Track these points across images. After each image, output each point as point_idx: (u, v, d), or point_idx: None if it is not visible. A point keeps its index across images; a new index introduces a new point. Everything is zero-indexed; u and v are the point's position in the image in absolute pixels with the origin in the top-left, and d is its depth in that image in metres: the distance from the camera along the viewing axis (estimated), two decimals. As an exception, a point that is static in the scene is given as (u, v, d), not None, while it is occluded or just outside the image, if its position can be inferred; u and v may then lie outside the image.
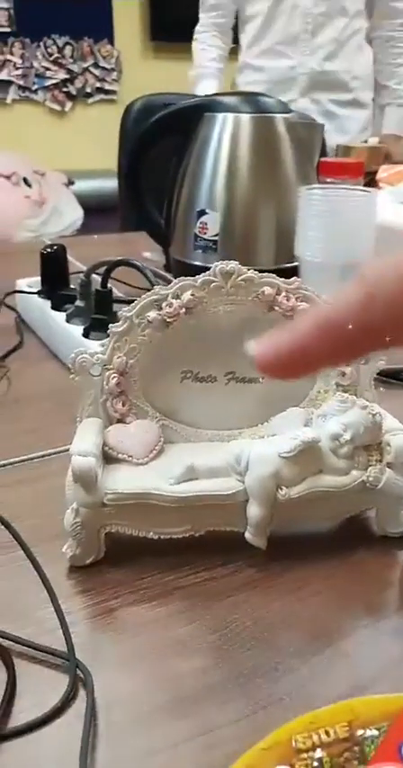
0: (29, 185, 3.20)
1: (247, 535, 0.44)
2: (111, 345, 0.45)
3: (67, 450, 0.54)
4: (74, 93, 3.88)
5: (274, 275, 0.45)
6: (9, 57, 3.69)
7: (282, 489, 0.42)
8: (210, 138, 0.90)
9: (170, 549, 0.44)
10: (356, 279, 0.26)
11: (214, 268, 0.45)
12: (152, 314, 0.45)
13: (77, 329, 0.72)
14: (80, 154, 3.71)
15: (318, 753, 0.28)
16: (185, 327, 0.46)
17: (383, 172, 1.04)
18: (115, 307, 0.71)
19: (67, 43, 3.79)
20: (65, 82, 3.84)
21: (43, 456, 0.57)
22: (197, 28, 1.89)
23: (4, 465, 0.56)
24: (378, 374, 0.49)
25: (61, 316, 0.76)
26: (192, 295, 0.45)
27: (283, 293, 0.46)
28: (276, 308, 0.46)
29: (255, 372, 0.47)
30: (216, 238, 0.89)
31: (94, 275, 0.74)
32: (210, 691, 0.36)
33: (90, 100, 3.93)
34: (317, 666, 0.37)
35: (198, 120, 0.92)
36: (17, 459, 0.57)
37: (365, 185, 0.93)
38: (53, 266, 0.82)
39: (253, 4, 1.76)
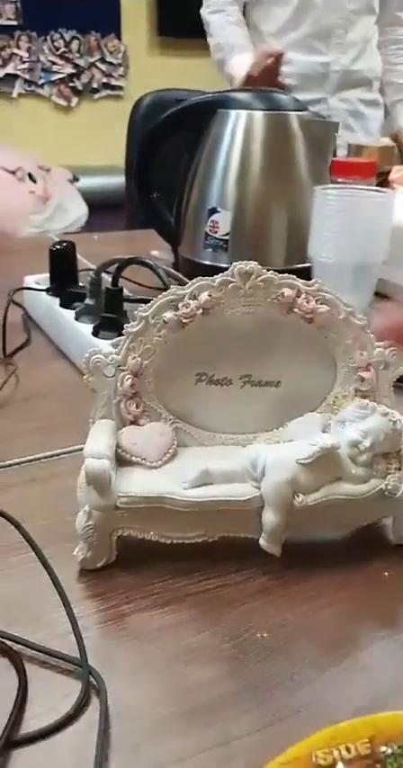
0: (34, 181, 3.19)
1: (262, 542, 0.43)
2: (126, 346, 0.45)
3: (77, 449, 0.53)
4: (80, 88, 3.86)
5: (295, 276, 0.45)
6: (15, 50, 3.67)
7: (298, 496, 0.41)
8: (222, 134, 0.89)
9: (182, 554, 0.44)
10: None
11: (232, 268, 0.44)
12: (168, 314, 0.44)
13: (87, 328, 0.71)
14: (85, 150, 3.70)
15: (340, 768, 0.28)
16: (201, 329, 0.45)
17: (396, 172, 1.03)
18: (125, 305, 0.71)
19: (73, 37, 3.77)
20: (71, 77, 3.82)
21: (52, 456, 0.56)
22: (206, 6, 1.72)
23: (13, 464, 0.55)
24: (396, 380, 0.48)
25: (70, 314, 0.75)
26: (209, 296, 0.44)
27: (303, 295, 0.45)
28: (295, 310, 0.45)
29: (272, 376, 0.47)
30: (227, 237, 0.89)
31: (103, 273, 0.74)
32: (224, 701, 0.35)
33: (96, 95, 3.91)
34: (334, 678, 0.36)
35: (210, 117, 0.91)
36: (26, 458, 0.56)
37: (377, 186, 0.93)
38: (62, 263, 0.81)
39: None
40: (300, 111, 0.91)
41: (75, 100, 3.87)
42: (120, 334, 0.46)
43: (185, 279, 0.45)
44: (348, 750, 0.29)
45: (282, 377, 0.47)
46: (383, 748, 0.28)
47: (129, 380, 0.45)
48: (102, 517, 0.42)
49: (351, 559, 0.45)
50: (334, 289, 0.46)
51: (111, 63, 3.88)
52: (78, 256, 0.84)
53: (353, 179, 0.87)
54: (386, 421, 0.42)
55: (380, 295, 0.86)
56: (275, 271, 0.45)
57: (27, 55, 3.70)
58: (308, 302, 0.45)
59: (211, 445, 0.47)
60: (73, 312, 0.75)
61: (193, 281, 0.44)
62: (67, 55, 3.79)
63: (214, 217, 0.90)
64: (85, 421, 0.46)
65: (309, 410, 0.47)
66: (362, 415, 0.43)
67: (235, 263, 0.44)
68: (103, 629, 0.39)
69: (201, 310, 0.44)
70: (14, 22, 3.63)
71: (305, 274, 0.47)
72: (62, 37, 3.75)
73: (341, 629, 0.40)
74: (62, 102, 3.84)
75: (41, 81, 3.76)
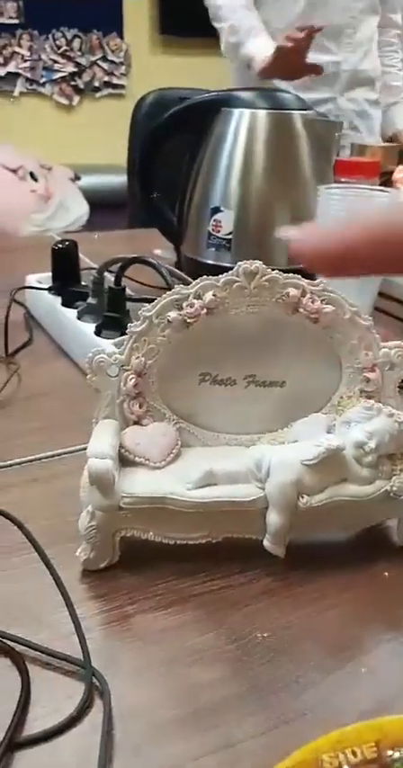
0: (35, 179, 3.19)
1: (266, 543, 0.43)
2: (130, 345, 0.44)
3: (79, 449, 0.53)
4: (82, 86, 3.86)
5: (299, 276, 0.44)
6: (17, 49, 3.67)
7: (303, 497, 0.41)
8: (225, 133, 0.89)
9: (186, 555, 0.43)
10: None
11: (237, 268, 0.44)
12: (172, 314, 0.44)
13: (89, 327, 0.71)
14: (87, 148, 3.70)
15: (346, 773, 0.28)
16: (205, 328, 0.45)
17: (400, 172, 1.03)
18: (128, 305, 0.71)
19: (75, 36, 3.77)
20: (73, 75, 3.82)
21: (55, 456, 0.56)
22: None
23: (14, 464, 0.55)
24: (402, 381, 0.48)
25: (72, 313, 0.75)
26: (213, 295, 0.44)
27: (308, 295, 0.45)
28: (301, 310, 0.45)
29: (277, 376, 0.47)
30: (230, 237, 0.88)
31: (105, 272, 0.73)
32: (228, 703, 0.35)
33: (98, 94, 3.91)
34: (340, 681, 0.36)
35: (213, 116, 0.91)
36: (28, 458, 0.56)
37: (381, 185, 0.92)
38: (64, 262, 0.81)
39: None
40: (304, 110, 0.91)
41: (76, 98, 3.87)
42: (123, 334, 0.45)
43: (189, 278, 0.45)
44: (354, 754, 0.28)
45: (286, 377, 0.47)
46: (390, 752, 0.28)
47: (133, 380, 0.44)
48: (105, 517, 0.42)
49: (355, 561, 0.45)
50: (337, 289, 0.46)
51: (112, 62, 3.88)
52: (80, 255, 0.84)
53: (357, 179, 0.87)
54: (392, 422, 0.42)
55: (383, 296, 0.86)
56: (279, 270, 0.45)
57: (28, 53, 3.70)
58: (313, 302, 0.45)
59: (215, 445, 0.47)
60: (75, 311, 0.74)
61: (198, 280, 0.44)
62: (68, 53, 3.79)
63: (217, 216, 0.89)
64: (87, 420, 0.46)
65: (314, 411, 0.47)
66: (368, 416, 0.43)
67: (240, 263, 0.44)
68: (107, 631, 0.39)
69: (205, 310, 0.44)
70: (16, 21, 3.63)
71: (308, 274, 0.46)
72: (64, 35, 3.75)
73: (346, 631, 0.39)
74: (64, 101, 3.84)
75: (43, 80, 3.76)
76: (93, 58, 3.85)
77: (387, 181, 1.04)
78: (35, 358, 0.75)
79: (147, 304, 0.45)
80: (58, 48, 3.77)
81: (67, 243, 0.82)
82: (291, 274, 0.45)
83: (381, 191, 0.74)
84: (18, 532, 0.44)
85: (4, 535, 0.45)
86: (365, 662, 0.37)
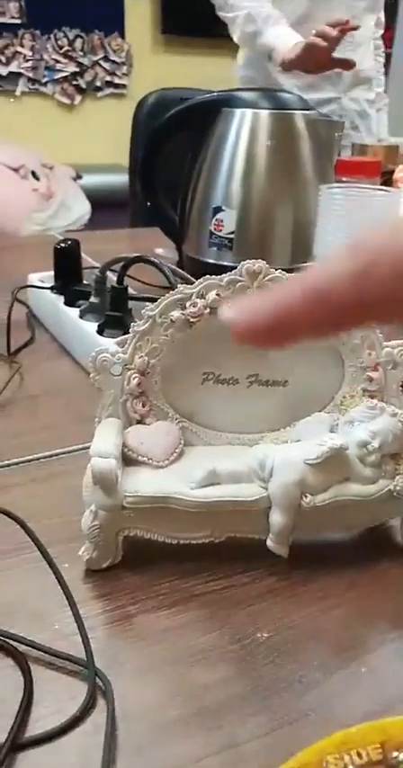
0: (37, 178, 3.18)
1: (269, 543, 0.42)
2: (133, 345, 0.44)
3: (81, 448, 0.53)
4: (83, 86, 3.86)
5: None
6: (19, 49, 3.67)
7: (306, 497, 0.41)
8: (227, 133, 0.89)
9: (189, 554, 0.43)
10: (351, 249, 0.24)
11: (240, 267, 0.44)
12: (175, 313, 0.44)
13: (91, 326, 0.71)
14: (89, 148, 3.70)
15: (351, 774, 0.27)
16: (208, 328, 0.45)
17: (401, 171, 1.03)
18: (130, 304, 0.70)
19: (77, 36, 3.77)
20: (75, 75, 3.82)
21: (57, 455, 0.56)
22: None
23: (17, 463, 0.55)
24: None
25: (74, 312, 0.75)
26: (216, 295, 0.44)
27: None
28: (303, 309, 0.45)
29: (280, 375, 0.47)
30: (231, 236, 0.88)
31: (107, 271, 0.73)
32: (232, 703, 0.35)
33: (100, 93, 3.91)
34: (343, 681, 0.36)
35: (215, 116, 0.91)
36: (30, 457, 0.56)
37: (382, 185, 0.92)
38: (67, 261, 0.81)
39: None
40: (306, 110, 0.91)
41: (78, 98, 3.87)
42: (125, 333, 0.45)
43: (191, 278, 0.44)
44: (359, 755, 0.28)
45: (289, 376, 0.47)
46: (395, 753, 0.28)
47: (136, 379, 0.44)
48: (108, 517, 0.41)
49: (359, 561, 0.45)
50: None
51: (114, 61, 3.88)
52: (83, 254, 0.84)
53: (358, 178, 0.87)
54: (395, 421, 0.42)
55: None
56: (282, 270, 0.45)
57: (30, 53, 3.70)
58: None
59: (218, 445, 0.47)
60: (77, 310, 0.74)
61: (201, 280, 0.44)
62: (70, 53, 3.79)
63: (219, 215, 0.89)
64: (89, 419, 0.46)
65: (317, 410, 0.47)
66: (371, 416, 0.43)
67: (243, 263, 0.44)
68: (110, 630, 0.39)
69: (208, 309, 0.44)
70: (18, 21, 3.63)
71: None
72: (66, 35, 3.75)
73: (349, 631, 0.39)
74: (65, 101, 3.83)
75: (45, 79, 3.76)
76: (94, 58, 3.85)
77: (388, 180, 1.04)
78: (37, 357, 0.75)
79: (149, 303, 0.44)
80: (60, 47, 3.77)
81: (69, 242, 0.82)
82: (293, 274, 0.44)
83: (383, 190, 0.73)
84: (21, 532, 0.44)
85: (6, 534, 0.44)
86: (369, 662, 0.37)
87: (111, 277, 0.73)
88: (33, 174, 3.19)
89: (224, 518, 0.42)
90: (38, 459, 0.56)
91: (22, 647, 0.37)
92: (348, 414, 0.45)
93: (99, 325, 0.70)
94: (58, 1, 3.63)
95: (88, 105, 3.90)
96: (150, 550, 0.44)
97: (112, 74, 3.90)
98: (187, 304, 0.44)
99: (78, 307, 0.75)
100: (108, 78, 3.89)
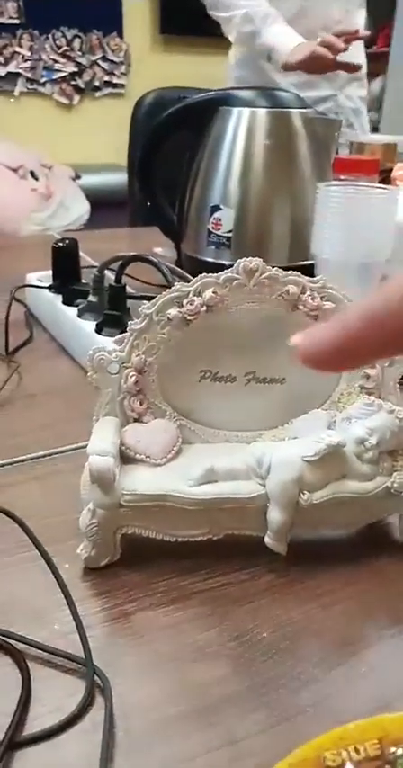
0: (36, 178, 3.18)
1: (267, 540, 0.43)
2: (130, 343, 0.44)
3: (80, 447, 0.53)
4: (82, 86, 3.85)
5: (300, 273, 0.44)
6: (17, 49, 3.67)
7: (304, 494, 0.41)
8: (225, 132, 0.89)
9: (187, 552, 0.43)
10: None
11: (237, 265, 0.44)
12: (172, 311, 0.44)
13: (89, 325, 0.71)
14: (87, 148, 3.70)
15: (349, 770, 0.27)
16: (205, 326, 0.45)
17: (399, 170, 1.03)
18: (128, 303, 0.71)
19: (75, 36, 3.76)
20: (73, 75, 3.82)
21: (56, 453, 0.56)
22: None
23: (15, 462, 0.55)
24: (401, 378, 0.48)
25: (73, 311, 0.75)
26: (213, 293, 0.44)
27: (308, 292, 0.45)
28: (300, 307, 0.45)
29: (277, 373, 0.47)
30: (229, 235, 0.88)
31: (106, 270, 0.73)
32: (230, 700, 0.35)
33: (98, 93, 3.90)
34: (341, 677, 0.36)
35: (212, 115, 0.91)
36: (29, 456, 0.56)
37: (380, 183, 0.92)
38: (65, 260, 0.81)
39: None
40: (303, 108, 0.91)
41: (77, 98, 3.86)
42: (123, 332, 0.45)
43: (189, 276, 0.44)
44: (357, 751, 0.28)
45: (286, 374, 0.47)
46: (393, 749, 0.28)
47: (134, 377, 0.44)
48: (106, 515, 0.41)
49: (357, 557, 0.45)
50: (337, 286, 0.45)
51: (112, 61, 3.88)
52: (81, 254, 0.84)
53: (356, 176, 0.86)
54: (392, 418, 0.42)
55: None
56: (279, 268, 0.45)
57: (29, 53, 3.70)
58: (313, 299, 0.44)
59: (216, 442, 0.47)
60: (75, 309, 0.74)
61: (198, 278, 0.44)
62: (68, 53, 3.78)
63: (217, 214, 0.89)
64: (88, 418, 0.46)
65: (315, 407, 0.47)
66: (369, 413, 0.43)
67: (239, 260, 0.44)
68: (108, 628, 0.39)
69: (205, 307, 0.44)
70: (16, 21, 3.63)
71: (308, 272, 0.46)
72: (64, 35, 3.75)
73: (348, 628, 0.39)
74: (64, 101, 3.83)
75: (43, 79, 3.76)
76: (93, 58, 3.85)
77: (386, 178, 1.04)
78: (36, 356, 0.75)
79: (147, 302, 0.44)
80: (59, 48, 3.76)
81: (67, 241, 0.82)
82: (291, 272, 0.44)
83: (383, 188, 0.73)
84: (19, 530, 0.44)
85: (5, 533, 0.44)
86: (367, 658, 0.37)
87: (110, 276, 0.73)
88: (32, 173, 3.19)
89: (222, 515, 0.42)
90: (36, 458, 0.56)
91: (20, 646, 0.37)
92: (345, 411, 0.45)
93: (97, 324, 0.70)
94: (57, 1, 3.63)
95: (87, 105, 3.90)
96: (148, 548, 0.44)
97: (111, 74, 3.89)
98: (184, 302, 0.44)
99: (76, 306, 0.75)
100: (106, 78, 3.89)
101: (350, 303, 0.45)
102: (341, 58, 1.48)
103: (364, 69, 1.75)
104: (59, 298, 0.79)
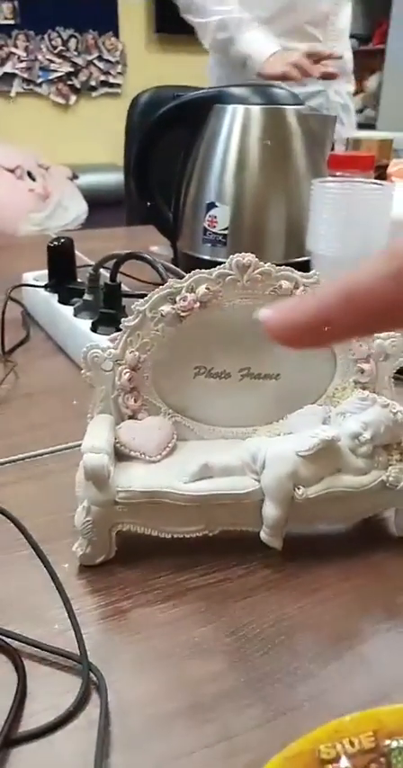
0: (33, 179, 3.18)
1: (263, 535, 0.42)
2: (124, 340, 0.44)
3: (75, 446, 0.53)
4: (78, 86, 3.85)
5: (292, 269, 0.44)
6: (13, 49, 3.67)
7: (299, 489, 0.41)
8: (219, 129, 0.89)
9: (183, 548, 0.43)
10: (388, 252, 0.24)
11: (230, 261, 0.44)
12: (165, 308, 0.44)
13: (85, 323, 0.71)
14: (84, 148, 3.70)
15: (344, 762, 0.27)
16: (199, 322, 0.45)
17: (394, 166, 1.03)
18: (124, 301, 0.70)
19: (71, 36, 3.76)
20: (69, 75, 3.82)
21: (52, 452, 0.56)
22: None
23: (11, 461, 0.55)
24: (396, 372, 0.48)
25: (68, 310, 0.75)
26: (206, 289, 0.44)
27: (301, 287, 0.44)
28: (294, 302, 0.44)
29: (271, 368, 0.47)
30: (225, 232, 0.88)
31: (101, 269, 0.73)
32: (226, 696, 0.35)
33: (94, 93, 3.90)
34: (338, 671, 0.36)
35: (207, 112, 0.91)
36: (25, 455, 0.56)
37: (375, 179, 0.92)
38: (60, 260, 0.81)
39: None
40: (297, 105, 0.91)
41: (73, 98, 3.86)
42: (119, 330, 0.45)
43: (184, 273, 0.44)
44: (352, 744, 0.28)
45: (281, 369, 0.47)
46: (388, 741, 0.28)
47: (128, 374, 0.44)
48: (101, 512, 0.41)
49: (353, 552, 0.45)
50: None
51: (108, 61, 3.88)
52: (77, 253, 0.84)
53: (351, 173, 0.86)
54: (386, 412, 0.42)
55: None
56: (274, 264, 0.45)
57: (25, 54, 3.70)
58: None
59: (211, 439, 0.47)
60: (71, 308, 0.74)
61: (190, 274, 0.44)
62: (64, 53, 3.78)
63: (212, 212, 0.89)
64: (84, 417, 0.46)
65: (309, 402, 0.47)
66: (363, 407, 0.43)
67: (232, 256, 0.44)
68: (103, 625, 0.39)
69: (198, 303, 0.44)
70: (12, 21, 3.63)
71: (304, 268, 0.46)
72: (60, 36, 3.75)
73: (344, 622, 0.39)
74: (60, 101, 3.83)
75: (39, 80, 3.76)
76: (89, 58, 3.85)
77: (381, 175, 1.04)
78: (32, 355, 0.75)
79: (142, 299, 0.44)
80: (54, 48, 3.76)
81: (62, 240, 0.82)
82: (283, 267, 0.44)
83: (377, 184, 0.73)
84: (14, 529, 0.44)
85: (0, 532, 0.44)
86: (363, 652, 0.37)
87: (106, 275, 0.73)
88: (29, 174, 3.19)
89: (217, 511, 0.42)
90: (33, 456, 0.56)
91: (15, 644, 0.37)
92: (340, 405, 0.45)
93: (93, 323, 0.70)
94: (52, 1, 3.63)
95: (83, 105, 3.90)
96: (144, 545, 0.43)
97: (107, 73, 3.89)
98: (177, 298, 0.44)
99: (72, 305, 0.75)
100: (103, 78, 3.89)
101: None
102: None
103: (351, 65, 1.74)
104: (55, 297, 0.79)
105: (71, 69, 3.82)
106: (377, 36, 3.69)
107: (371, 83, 3.76)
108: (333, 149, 0.99)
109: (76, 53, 3.81)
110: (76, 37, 3.78)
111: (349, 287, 0.24)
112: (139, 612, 0.40)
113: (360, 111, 3.64)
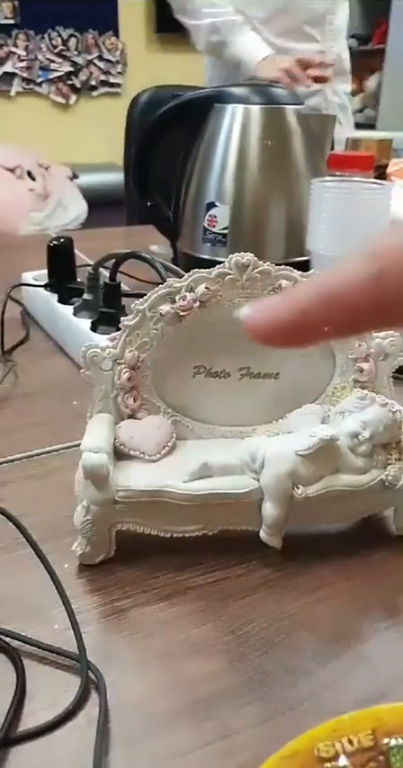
0: (33, 179, 3.18)
1: (262, 534, 0.43)
2: (123, 339, 0.44)
3: (75, 445, 0.53)
4: (78, 85, 3.86)
5: (291, 268, 0.44)
6: (13, 49, 3.67)
7: (298, 488, 0.41)
8: (219, 129, 0.89)
9: (182, 548, 0.43)
10: (367, 252, 0.23)
11: (229, 260, 0.44)
12: (165, 307, 0.44)
13: (85, 323, 0.71)
14: (84, 147, 3.70)
15: (343, 761, 0.27)
16: (198, 321, 0.45)
17: (394, 165, 1.03)
18: (123, 300, 0.71)
19: (71, 35, 3.77)
20: (69, 75, 3.82)
21: (51, 451, 0.56)
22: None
23: (11, 460, 0.55)
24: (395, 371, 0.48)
25: (68, 309, 0.75)
26: (206, 288, 0.44)
27: (300, 286, 0.44)
28: (293, 301, 0.45)
29: (271, 368, 0.47)
30: (225, 231, 0.88)
31: (101, 269, 0.73)
32: (225, 695, 0.35)
33: (94, 93, 3.91)
34: (336, 670, 0.36)
35: (207, 112, 0.91)
36: (24, 454, 0.56)
37: (375, 179, 0.92)
38: (60, 259, 0.81)
39: None
40: (297, 104, 0.91)
41: (73, 97, 3.87)
42: (119, 329, 0.45)
43: (183, 272, 0.45)
44: (351, 742, 0.28)
45: (280, 369, 0.47)
46: (386, 740, 0.28)
47: (127, 374, 0.44)
48: (100, 512, 0.41)
49: (352, 551, 0.45)
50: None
51: (109, 60, 3.88)
52: (77, 252, 0.84)
53: (351, 172, 0.86)
54: (385, 411, 0.42)
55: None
56: (274, 264, 0.45)
57: (25, 53, 3.70)
58: (306, 293, 0.44)
59: (210, 438, 0.47)
60: (71, 308, 0.74)
61: (190, 273, 0.44)
62: (64, 53, 3.79)
63: (212, 211, 0.89)
64: (83, 416, 0.46)
65: (309, 402, 0.47)
66: (362, 406, 0.43)
67: (232, 255, 0.44)
68: (103, 625, 0.39)
69: (197, 303, 0.44)
70: (12, 21, 3.63)
71: (304, 268, 0.46)
72: (60, 35, 3.75)
73: (343, 621, 0.39)
74: (61, 100, 3.84)
75: (40, 79, 3.77)
76: (89, 57, 3.85)
77: (381, 174, 1.04)
78: (32, 355, 0.75)
79: (141, 299, 0.44)
80: (54, 47, 3.77)
81: (62, 240, 0.82)
82: (282, 266, 0.44)
83: (377, 183, 0.73)
84: (14, 528, 0.44)
85: (0, 531, 0.44)
86: (363, 651, 0.37)
87: (105, 274, 0.73)
88: (29, 174, 3.19)
89: (217, 511, 0.42)
90: (32, 456, 0.56)
91: (15, 643, 0.37)
92: (339, 405, 0.45)
93: (92, 322, 0.70)
94: (52, 1, 3.63)
95: (83, 104, 3.90)
96: (143, 545, 0.44)
97: (107, 73, 3.90)
98: (176, 298, 0.44)
99: (72, 304, 0.75)
100: (103, 77, 3.89)
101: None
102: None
103: (348, 65, 1.74)
104: (55, 296, 0.79)
105: (71, 69, 3.82)
106: (377, 36, 3.68)
107: (371, 83, 3.76)
108: (333, 149, 0.99)
109: (76, 53, 3.81)
110: (76, 36, 3.79)
111: (328, 288, 0.24)
112: (139, 611, 0.40)
113: (360, 111, 3.64)
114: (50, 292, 0.80)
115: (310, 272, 0.45)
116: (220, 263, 0.44)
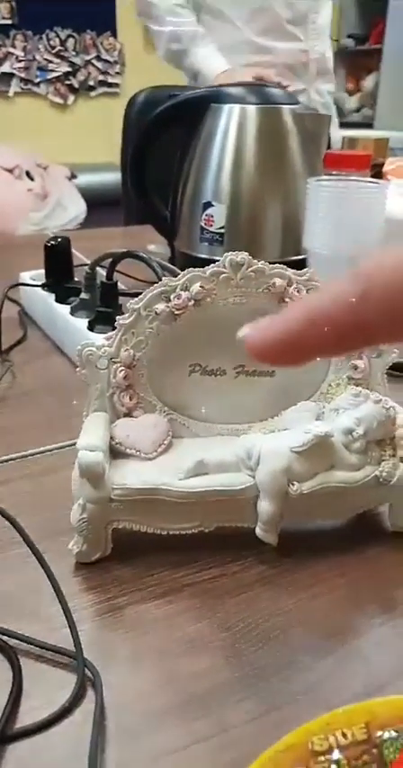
0: (31, 179, 3.18)
1: (258, 531, 0.43)
2: (119, 338, 0.45)
3: (72, 444, 0.53)
4: (76, 86, 3.86)
5: (285, 266, 0.44)
6: (11, 49, 3.67)
7: (293, 484, 0.41)
8: (215, 129, 0.89)
9: (178, 545, 0.43)
10: (353, 273, 0.25)
11: (224, 259, 0.44)
12: (160, 306, 0.44)
13: (82, 322, 0.71)
14: (83, 147, 3.70)
15: (336, 754, 0.28)
16: (193, 320, 0.45)
17: (390, 164, 1.03)
18: (120, 299, 0.71)
19: (69, 36, 3.77)
20: (67, 75, 3.82)
21: (48, 451, 0.56)
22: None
23: (8, 459, 0.55)
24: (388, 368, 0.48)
25: (65, 308, 0.75)
26: (200, 287, 0.44)
27: (294, 285, 0.45)
28: (287, 300, 0.45)
29: (265, 365, 0.47)
30: (222, 231, 0.89)
31: (98, 268, 0.74)
32: (221, 690, 0.35)
33: (93, 93, 3.91)
34: (332, 665, 0.36)
35: (203, 112, 0.91)
36: (21, 453, 0.56)
37: (371, 178, 0.92)
38: (57, 259, 0.81)
39: None
40: (293, 104, 0.91)
41: (71, 98, 3.87)
42: (115, 328, 0.45)
43: (179, 271, 0.45)
44: (344, 736, 0.28)
45: (275, 366, 0.47)
46: (380, 733, 0.28)
47: (122, 372, 0.45)
48: (96, 510, 0.42)
49: (348, 547, 0.45)
50: (330, 280, 0.46)
51: (106, 61, 3.88)
52: (74, 252, 0.84)
53: (347, 171, 0.86)
54: (379, 408, 0.42)
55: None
56: (272, 263, 0.45)
57: (23, 54, 3.70)
58: (299, 292, 0.45)
59: (206, 436, 0.47)
60: (68, 307, 0.75)
61: (184, 272, 0.44)
62: (62, 53, 3.79)
63: (209, 211, 0.89)
64: (80, 415, 0.46)
65: (304, 399, 0.47)
66: (356, 403, 0.43)
67: (226, 254, 0.44)
68: (99, 622, 0.39)
69: (192, 301, 0.44)
70: (9, 21, 3.63)
71: (301, 267, 0.46)
72: (58, 35, 3.75)
73: (338, 617, 0.39)
74: (59, 101, 3.83)
75: (38, 79, 3.76)
76: (87, 58, 3.85)
77: (378, 173, 1.04)
78: (29, 354, 0.76)
79: (137, 298, 0.45)
80: (52, 48, 3.77)
81: (59, 239, 0.82)
82: (277, 265, 0.45)
83: (372, 182, 0.74)
84: (11, 527, 0.44)
85: (-4, 530, 0.45)
86: (358, 646, 0.38)
87: (102, 273, 0.73)
88: (28, 174, 3.19)
89: (213, 508, 0.42)
90: (29, 455, 0.56)
91: (11, 641, 0.37)
92: (334, 402, 0.45)
93: (89, 322, 0.70)
94: (50, 1, 3.63)
95: (81, 105, 3.90)
96: (140, 542, 0.44)
97: (105, 73, 3.90)
98: (171, 296, 0.44)
99: (69, 304, 0.75)
100: (101, 78, 3.89)
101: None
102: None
103: (331, 64, 1.73)
104: (52, 296, 0.79)
105: (69, 69, 3.82)
106: (374, 36, 3.68)
107: (368, 82, 3.76)
108: (329, 148, 0.99)
109: (74, 53, 3.81)
110: (74, 37, 3.78)
111: (315, 309, 0.25)
112: (135, 609, 0.40)
113: (357, 110, 3.64)
114: (48, 292, 0.80)
115: (306, 270, 0.45)
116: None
